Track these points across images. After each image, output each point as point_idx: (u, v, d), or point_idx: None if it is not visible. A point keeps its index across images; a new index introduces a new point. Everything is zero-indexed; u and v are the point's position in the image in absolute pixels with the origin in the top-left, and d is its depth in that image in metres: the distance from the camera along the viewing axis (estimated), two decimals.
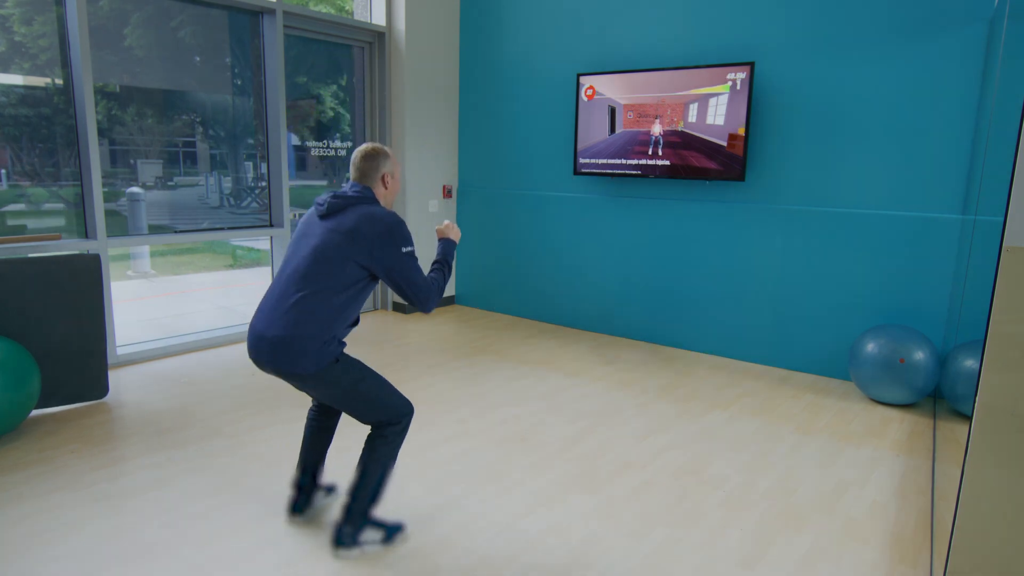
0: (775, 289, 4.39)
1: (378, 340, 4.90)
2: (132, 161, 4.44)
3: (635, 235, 4.99)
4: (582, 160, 5.01)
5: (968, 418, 1.72)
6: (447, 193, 5.94)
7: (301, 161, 5.38)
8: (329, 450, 2.52)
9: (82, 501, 2.53)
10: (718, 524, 2.50)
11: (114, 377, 3.90)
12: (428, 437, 3.20)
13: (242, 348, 4.61)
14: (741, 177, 4.29)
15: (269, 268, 5.18)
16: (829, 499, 2.71)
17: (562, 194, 5.34)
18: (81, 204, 4.02)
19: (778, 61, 4.22)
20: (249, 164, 5.04)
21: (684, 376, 4.25)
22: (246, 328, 4.90)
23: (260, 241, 6.34)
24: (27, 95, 3.85)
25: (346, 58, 5.49)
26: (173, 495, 2.60)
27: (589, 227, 5.23)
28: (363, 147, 2.27)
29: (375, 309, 5.90)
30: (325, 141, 5.46)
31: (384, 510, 2.45)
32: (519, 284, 5.73)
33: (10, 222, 3.88)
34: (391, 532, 2.32)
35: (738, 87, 4.23)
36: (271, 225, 5.00)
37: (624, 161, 4.79)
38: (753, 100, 4.26)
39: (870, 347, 3.73)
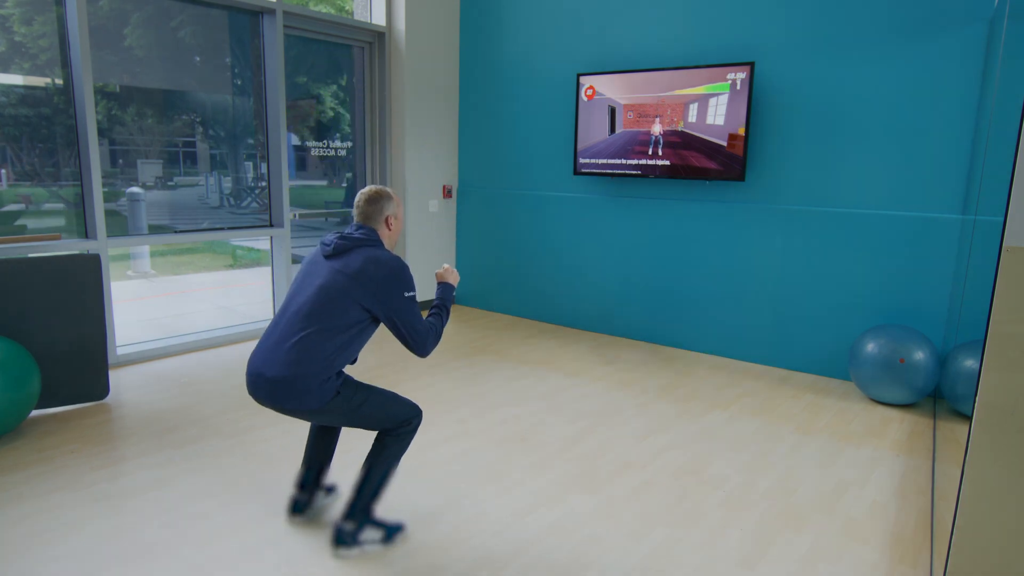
0: (775, 289, 4.39)
1: (377, 340, 4.90)
2: (125, 160, 4.44)
3: (635, 235, 4.99)
4: (582, 160, 5.01)
5: (968, 418, 1.72)
6: (447, 193, 5.95)
7: (301, 161, 5.38)
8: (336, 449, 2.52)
9: (82, 501, 2.53)
10: (718, 524, 2.50)
11: (114, 377, 3.90)
12: (428, 437, 3.20)
13: (242, 348, 4.61)
14: (741, 177, 4.29)
15: (269, 268, 5.18)
16: (829, 499, 2.71)
17: (562, 194, 5.35)
18: (81, 204, 4.02)
19: (778, 61, 4.22)
20: (249, 164, 5.04)
21: (684, 376, 4.25)
22: (246, 328, 4.92)
23: (260, 241, 6.34)
24: (27, 95, 3.85)
25: (346, 58, 5.49)
26: (173, 495, 2.60)
27: (589, 227, 5.23)
28: (366, 190, 2.31)
29: None
30: (325, 141, 5.46)
31: (384, 510, 2.45)
32: (519, 284, 5.73)
33: (10, 222, 3.88)
34: (391, 532, 2.33)
35: (738, 87, 4.23)
36: (271, 225, 5.00)
37: (624, 161, 4.79)
38: (753, 100, 4.26)
39: (870, 347, 3.73)
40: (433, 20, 5.58)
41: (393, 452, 2.25)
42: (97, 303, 3.45)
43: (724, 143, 4.33)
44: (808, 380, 4.21)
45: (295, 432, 3.21)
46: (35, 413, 3.34)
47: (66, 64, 3.87)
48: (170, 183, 4.68)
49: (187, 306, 6.23)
